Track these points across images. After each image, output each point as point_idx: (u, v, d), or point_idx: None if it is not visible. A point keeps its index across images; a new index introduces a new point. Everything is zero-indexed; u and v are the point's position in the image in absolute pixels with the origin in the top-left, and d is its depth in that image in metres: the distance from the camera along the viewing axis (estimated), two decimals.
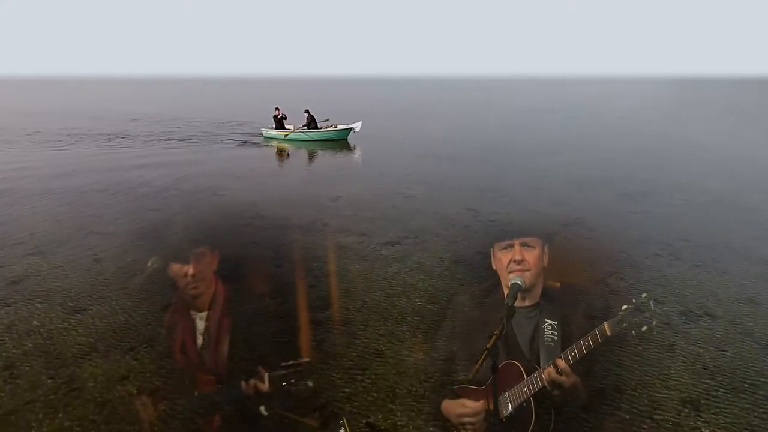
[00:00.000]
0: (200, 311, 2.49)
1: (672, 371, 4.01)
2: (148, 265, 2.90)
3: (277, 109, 17.70)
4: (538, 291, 2.36)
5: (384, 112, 32.16)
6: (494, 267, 2.43)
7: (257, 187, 10.66)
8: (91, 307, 5.21)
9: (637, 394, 3.73)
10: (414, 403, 3.65)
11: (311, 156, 15.15)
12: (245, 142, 17.40)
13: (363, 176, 11.81)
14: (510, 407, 2.22)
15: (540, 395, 2.17)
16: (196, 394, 2.43)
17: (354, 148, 16.01)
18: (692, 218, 8.28)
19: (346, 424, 2.95)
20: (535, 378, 2.18)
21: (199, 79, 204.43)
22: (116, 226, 7.70)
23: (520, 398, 2.21)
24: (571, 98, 51.29)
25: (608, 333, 2.06)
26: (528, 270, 2.29)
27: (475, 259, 6.32)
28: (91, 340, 4.62)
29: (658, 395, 3.72)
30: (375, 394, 3.73)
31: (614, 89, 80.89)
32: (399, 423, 3.41)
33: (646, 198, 9.50)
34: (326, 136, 16.85)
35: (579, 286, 2.57)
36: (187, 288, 2.45)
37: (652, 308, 2.07)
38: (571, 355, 2.12)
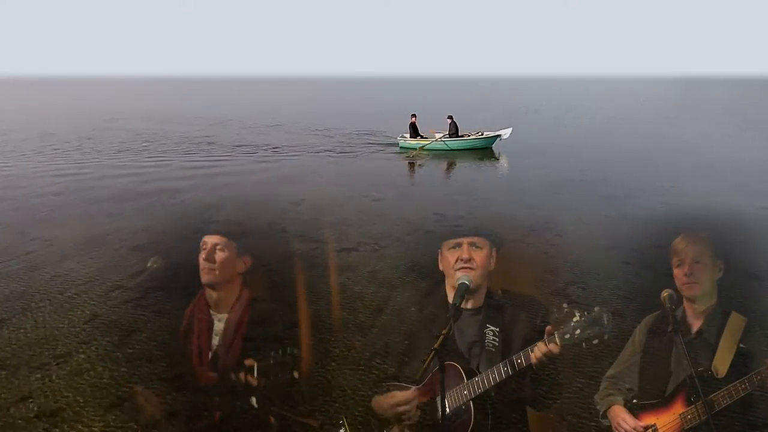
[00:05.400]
0: (220, 312, 2.49)
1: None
2: (148, 265, 2.84)
3: (413, 116, 16.12)
4: (481, 294, 2.34)
5: (369, 113, 31.86)
6: (441, 267, 2.40)
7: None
8: (13, 319, 4.93)
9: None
10: None
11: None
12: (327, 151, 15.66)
13: (332, 177, 11.47)
14: (447, 409, 2.17)
15: (479, 399, 2.16)
16: (193, 390, 2.47)
17: (499, 157, 14.74)
18: (671, 223, 7.91)
19: (346, 424, 2.87)
20: (476, 382, 2.17)
21: (202, 79, 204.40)
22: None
23: (458, 401, 2.19)
24: (568, 98, 51.00)
25: (558, 344, 2.06)
26: (474, 269, 2.27)
27: (432, 266, 6.00)
28: (1, 355, 4.32)
29: None
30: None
31: (613, 89, 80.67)
32: None
33: (625, 201, 9.18)
34: (469, 144, 15.45)
35: (532, 294, 2.50)
36: (201, 271, 2.45)
37: (605, 322, 2.05)
38: (517, 362, 2.12)
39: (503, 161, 14.26)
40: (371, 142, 17.81)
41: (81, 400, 3.78)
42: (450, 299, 2.29)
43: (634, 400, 2.28)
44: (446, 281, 2.38)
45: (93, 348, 4.42)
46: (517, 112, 31.38)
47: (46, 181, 11.09)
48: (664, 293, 2.21)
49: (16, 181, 11.16)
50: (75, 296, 5.33)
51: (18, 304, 5.20)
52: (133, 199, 9.30)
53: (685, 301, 2.29)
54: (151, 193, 9.90)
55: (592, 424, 3.12)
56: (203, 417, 2.40)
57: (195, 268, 3.54)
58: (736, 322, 2.19)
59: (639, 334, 2.35)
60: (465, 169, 12.89)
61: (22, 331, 4.73)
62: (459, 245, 2.31)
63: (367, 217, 8.20)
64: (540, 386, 2.23)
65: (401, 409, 2.28)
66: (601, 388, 2.41)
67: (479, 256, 2.29)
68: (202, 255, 2.44)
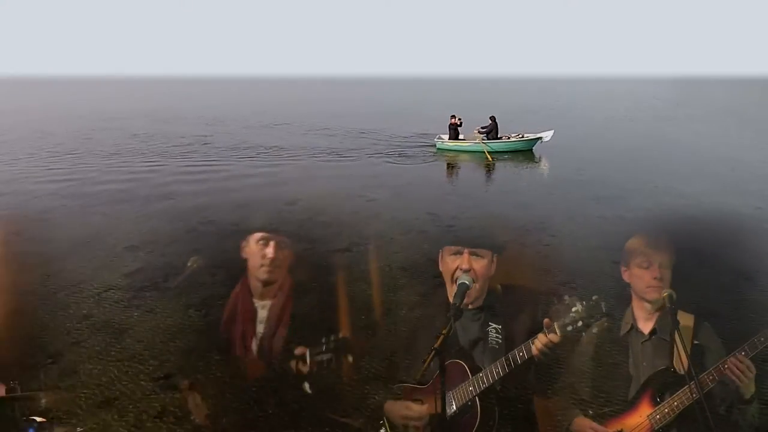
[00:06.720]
0: (263, 300, 2.49)
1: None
2: (188, 264, 2.84)
3: (453, 116, 15.62)
4: (483, 295, 2.39)
5: (363, 113, 31.79)
6: (441, 269, 2.44)
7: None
8: (5, 318, 4.91)
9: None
10: None
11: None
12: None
13: (329, 177, 11.45)
14: (454, 406, 2.22)
15: (485, 395, 2.19)
16: (245, 383, 2.50)
17: (539, 160, 14.34)
18: (664, 223, 7.93)
19: (387, 424, 2.78)
20: (481, 378, 2.19)
21: (202, 79, 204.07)
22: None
23: (464, 397, 2.22)
24: (568, 98, 50.91)
25: (558, 333, 2.09)
26: (475, 280, 2.29)
27: (425, 266, 6.01)
28: None
29: None
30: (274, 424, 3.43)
31: (612, 89, 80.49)
32: None
33: (619, 202, 9.18)
34: (508, 147, 15.17)
35: (526, 292, 2.56)
36: (260, 271, 2.43)
37: (603, 310, 2.08)
38: (519, 355, 2.14)
39: (543, 164, 13.97)
40: (371, 142, 17.72)
41: (71, 400, 3.79)
42: (451, 301, 2.31)
43: (602, 410, 2.27)
44: (446, 286, 2.41)
45: (84, 348, 4.44)
46: (517, 112, 31.33)
47: (42, 182, 11.08)
48: (664, 293, 2.21)
49: (11, 181, 11.16)
50: (67, 296, 5.34)
51: (11, 303, 5.20)
52: (129, 201, 9.29)
53: (635, 302, 2.31)
54: (148, 193, 9.90)
55: (605, 409, 3.16)
56: (255, 410, 2.42)
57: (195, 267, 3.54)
58: (686, 321, 2.21)
59: (587, 343, 2.33)
60: (461, 169, 12.89)
61: (15, 329, 4.73)
62: (460, 253, 2.34)
63: (361, 217, 8.22)
64: (545, 374, 2.26)
65: (411, 423, 2.32)
66: (556, 402, 2.37)
67: (479, 265, 2.32)
68: (270, 254, 2.42)
